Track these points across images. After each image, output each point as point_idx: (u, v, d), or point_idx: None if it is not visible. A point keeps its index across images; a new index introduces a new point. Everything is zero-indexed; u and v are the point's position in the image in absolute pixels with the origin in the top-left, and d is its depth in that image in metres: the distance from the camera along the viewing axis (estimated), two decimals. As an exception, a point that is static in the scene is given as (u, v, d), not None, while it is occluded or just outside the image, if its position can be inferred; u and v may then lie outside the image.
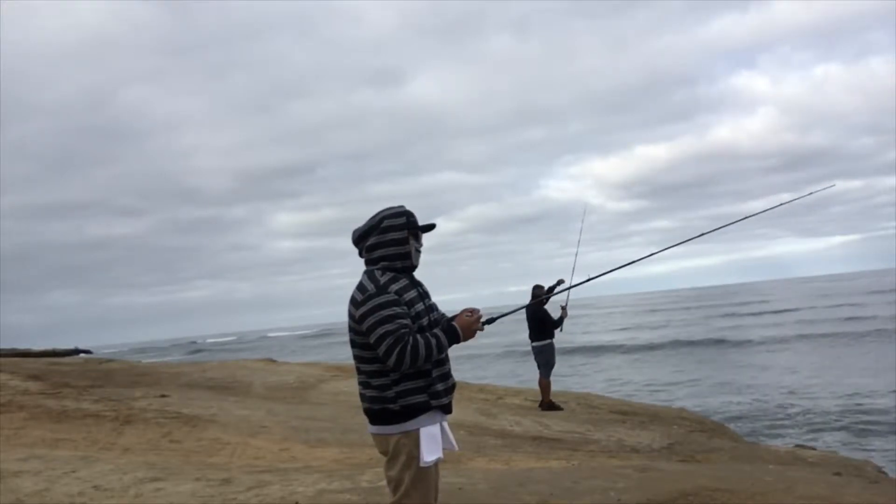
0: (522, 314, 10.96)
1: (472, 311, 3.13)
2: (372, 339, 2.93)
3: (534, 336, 10.91)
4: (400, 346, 2.88)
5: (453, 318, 3.12)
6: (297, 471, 6.12)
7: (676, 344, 34.43)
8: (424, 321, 3.03)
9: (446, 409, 3.09)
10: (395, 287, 2.98)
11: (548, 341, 10.85)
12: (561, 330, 10.82)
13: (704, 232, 4.01)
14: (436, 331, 3.01)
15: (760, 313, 52.23)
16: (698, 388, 20.08)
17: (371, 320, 2.92)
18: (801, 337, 32.71)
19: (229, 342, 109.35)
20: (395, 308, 2.93)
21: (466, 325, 3.07)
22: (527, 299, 10.98)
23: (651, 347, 33.34)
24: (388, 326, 2.89)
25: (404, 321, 2.93)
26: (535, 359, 11.04)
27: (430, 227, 3.17)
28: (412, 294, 3.03)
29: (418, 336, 2.94)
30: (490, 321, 3.19)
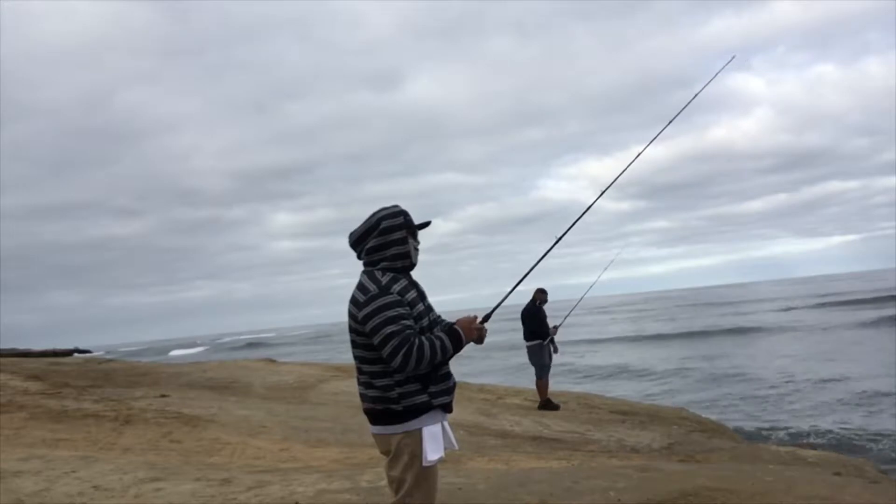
0: (516, 313, 11.17)
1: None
2: (376, 340, 2.91)
3: (527, 336, 11.13)
4: (406, 347, 2.86)
5: (454, 322, 3.13)
6: (297, 471, 6.12)
7: (672, 351, 34.27)
8: (425, 321, 3.03)
9: (447, 409, 3.08)
10: (396, 287, 2.98)
11: (538, 342, 11.03)
12: (544, 341, 11.06)
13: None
14: (439, 333, 3.00)
15: (759, 312, 52.19)
16: (698, 388, 20.06)
17: (375, 321, 2.90)
18: (801, 337, 32.71)
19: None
20: (398, 309, 2.92)
21: (467, 325, 3.06)
22: (527, 299, 11.18)
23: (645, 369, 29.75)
24: (394, 327, 2.88)
25: (408, 322, 2.92)
26: (529, 359, 11.24)
27: (426, 224, 3.17)
28: (413, 294, 3.03)
29: (423, 338, 2.93)
30: (486, 317, 3.19)
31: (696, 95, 4.66)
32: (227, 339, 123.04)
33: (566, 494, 5.06)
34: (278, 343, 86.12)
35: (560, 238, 3.68)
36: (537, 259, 3.59)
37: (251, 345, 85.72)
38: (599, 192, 4.02)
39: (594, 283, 11.22)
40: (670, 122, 4.38)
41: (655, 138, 4.30)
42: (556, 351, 11.23)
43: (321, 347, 64.87)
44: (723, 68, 5.02)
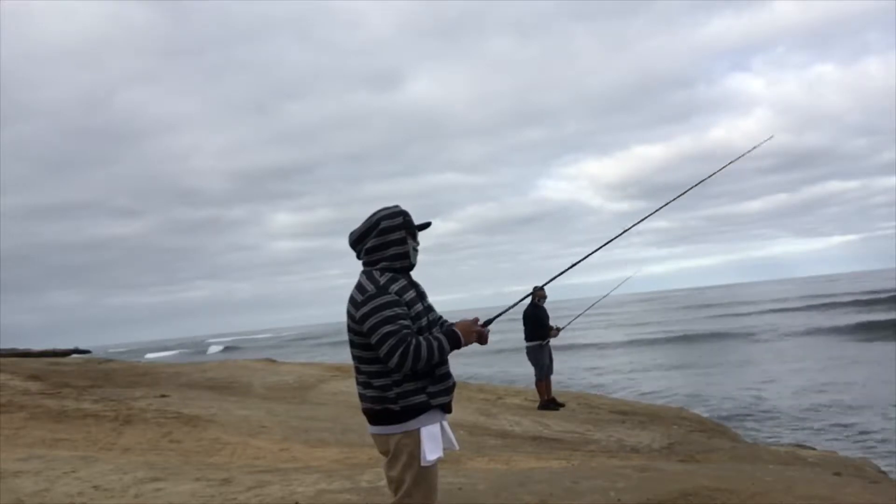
0: (520, 314, 11.18)
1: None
2: (373, 340, 2.92)
3: (527, 337, 11.13)
4: (403, 346, 2.87)
5: (454, 323, 3.12)
6: (297, 471, 6.12)
7: (672, 345, 34.30)
8: (423, 322, 3.03)
9: (446, 409, 3.08)
10: (395, 287, 2.98)
11: (536, 343, 11.02)
12: (543, 341, 11.08)
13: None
14: (437, 334, 3.00)
15: (758, 313, 52.17)
16: (698, 389, 20.06)
17: (373, 320, 2.91)
18: (801, 337, 32.71)
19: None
20: (396, 308, 2.92)
21: (466, 328, 3.06)
22: (526, 299, 11.16)
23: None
24: (391, 327, 2.88)
25: (406, 322, 2.92)
26: (528, 359, 11.24)
27: (426, 225, 3.18)
28: (411, 294, 3.03)
29: (420, 338, 2.93)
30: (488, 322, 3.18)
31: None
32: (213, 340, 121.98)
33: (566, 494, 5.06)
34: (251, 346, 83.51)
35: (578, 263, 3.70)
36: (551, 277, 3.60)
37: (228, 348, 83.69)
38: (638, 220, 3.94)
39: (604, 296, 11.32)
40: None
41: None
42: (555, 335, 11.13)
43: (301, 349, 64.36)
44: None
